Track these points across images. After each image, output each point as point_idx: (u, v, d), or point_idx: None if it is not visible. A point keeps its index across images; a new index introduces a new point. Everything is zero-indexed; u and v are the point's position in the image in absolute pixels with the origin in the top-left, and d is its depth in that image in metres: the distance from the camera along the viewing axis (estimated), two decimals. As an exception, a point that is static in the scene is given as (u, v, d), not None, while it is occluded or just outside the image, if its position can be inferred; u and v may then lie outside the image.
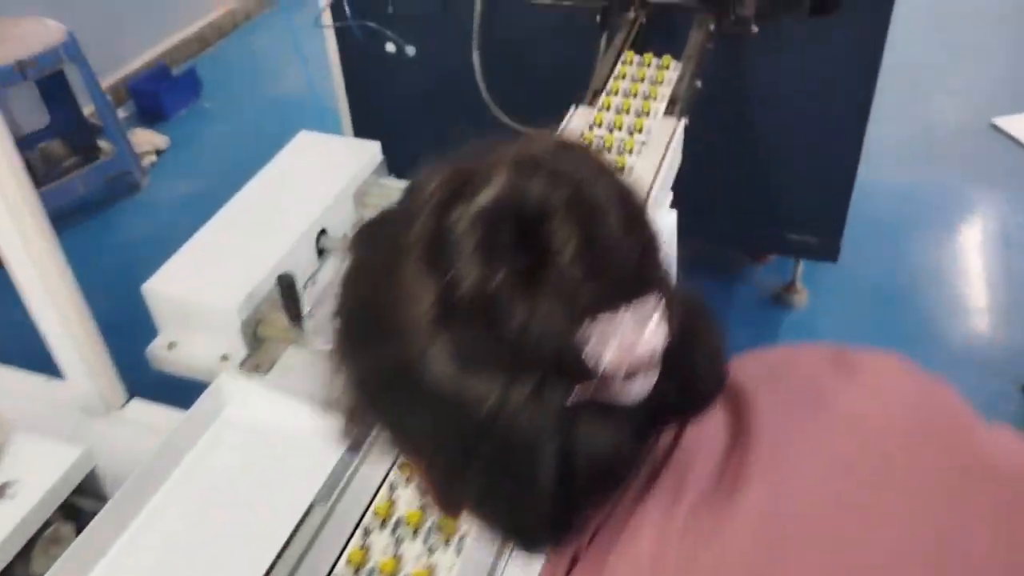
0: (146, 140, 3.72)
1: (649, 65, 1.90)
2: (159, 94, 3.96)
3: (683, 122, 1.69)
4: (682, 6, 2.06)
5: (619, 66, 1.89)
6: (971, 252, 3.03)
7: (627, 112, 1.75)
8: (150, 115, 3.99)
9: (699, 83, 1.93)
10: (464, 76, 2.48)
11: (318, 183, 1.65)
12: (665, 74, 1.86)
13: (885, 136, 3.50)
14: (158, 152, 3.75)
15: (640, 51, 1.97)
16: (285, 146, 1.75)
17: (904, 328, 2.72)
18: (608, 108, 1.76)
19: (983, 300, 2.83)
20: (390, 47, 2.60)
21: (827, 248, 2.56)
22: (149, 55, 4.24)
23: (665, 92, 1.80)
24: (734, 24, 2.04)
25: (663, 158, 1.59)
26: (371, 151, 1.76)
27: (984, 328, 2.72)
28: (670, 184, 1.67)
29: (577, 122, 1.72)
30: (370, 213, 1.75)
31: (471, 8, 2.37)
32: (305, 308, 1.43)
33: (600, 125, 1.71)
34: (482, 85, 2.48)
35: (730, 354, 0.72)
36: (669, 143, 1.63)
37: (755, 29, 2.06)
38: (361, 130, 2.85)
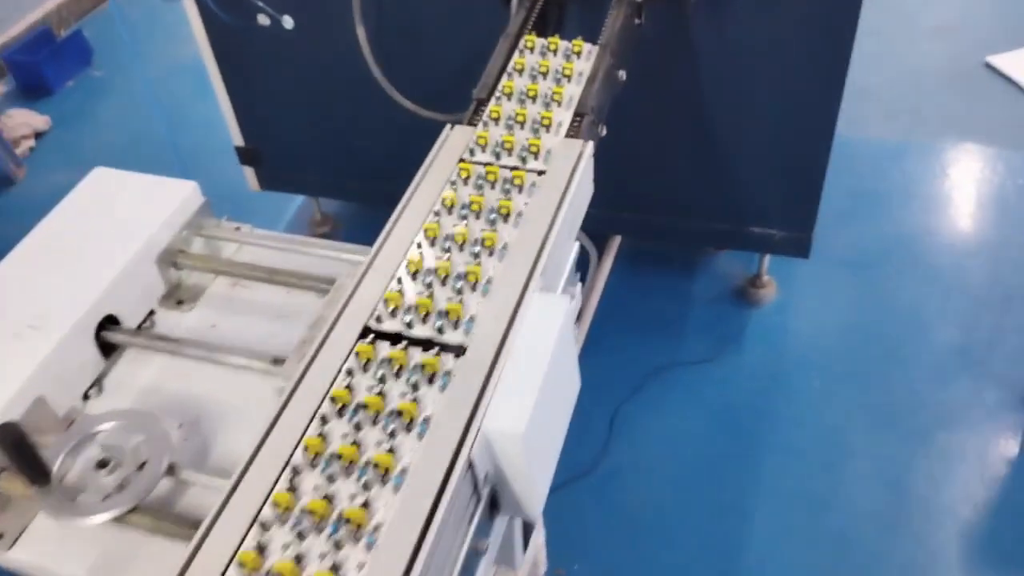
0: (22, 122, 3.24)
1: (555, 52, 1.46)
2: (39, 65, 3.46)
3: (591, 144, 1.26)
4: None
5: (516, 57, 1.45)
6: (966, 226, 2.63)
7: (521, 125, 1.32)
8: (32, 90, 3.49)
9: (622, 74, 1.50)
10: (353, 53, 2.03)
11: (103, 249, 1.22)
12: (575, 65, 1.42)
13: (867, 86, 3.07)
14: (38, 135, 3.28)
15: (547, 32, 1.53)
16: (69, 193, 1.32)
17: (890, 326, 2.35)
18: (498, 120, 1.33)
19: (979, 285, 2.44)
20: (263, 19, 2.14)
21: (795, 243, 2.16)
22: (30, 18, 3.70)
23: (573, 93, 1.37)
24: (668, -11, 1.59)
25: (561, 200, 1.18)
26: (183, 194, 1.32)
27: (981, 322, 2.34)
28: (574, 233, 1.25)
29: (452, 147, 1.29)
30: (189, 277, 1.33)
31: (349, -28, 1.91)
32: (61, 455, 1.03)
33: (484, 148, 1.29)
34: (373, 65, 2.03)
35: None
36: (571, 177, 1.21)
37: (695, -6, 1.62)
38: (244, 116, 2.41)
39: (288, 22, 2.14)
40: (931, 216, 2.65)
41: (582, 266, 2.50)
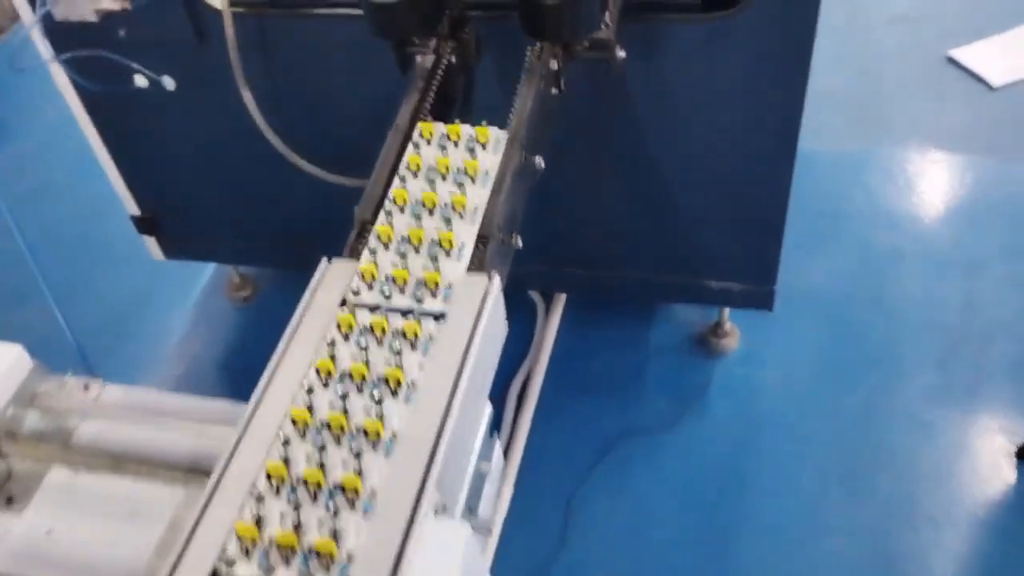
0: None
1: (457, 143, 1.22)
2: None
3: (498, 279, 1.03)
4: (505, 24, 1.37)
5: (410, 151, 1.21)
6: (938, 248, 2.42)
7: (416, 249, 1.09)
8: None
9: (540, 161, 1.27)
10: (245, 115, 1.78)
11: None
12: (479, 161, 1.19)
13: (823, 88, 2.84)
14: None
15: (448, 116, 1.29)
16: None
17: (862, 371, 2.15)
18: (388, 244, 1.10)
19: (955, 315, 2.25)
20: (141, 81, 1.87)
21: (758, 296, 1.96)
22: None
23: (479, 199, 1.14)
24: (589, 50, 1.36)
25: (463, 363, 0.95)
26: (6, 363, 1.08)
27: (960, 359, 2.15)
28: (485, 390, 1.03)
29: (329, 289, 1.05)
30: (21, 464, 1.08)
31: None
32: None
33: (371, 285, 1.06)
34: (266, 129, 1.79)
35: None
36: (475, 327, 0.98)
37: (622, 54, 1.39)
38: (136, 183, 2.15)
39: (169, 83, 1.88)
40: (899, 238, 2.45)
41: (529, 320, 2.29)
